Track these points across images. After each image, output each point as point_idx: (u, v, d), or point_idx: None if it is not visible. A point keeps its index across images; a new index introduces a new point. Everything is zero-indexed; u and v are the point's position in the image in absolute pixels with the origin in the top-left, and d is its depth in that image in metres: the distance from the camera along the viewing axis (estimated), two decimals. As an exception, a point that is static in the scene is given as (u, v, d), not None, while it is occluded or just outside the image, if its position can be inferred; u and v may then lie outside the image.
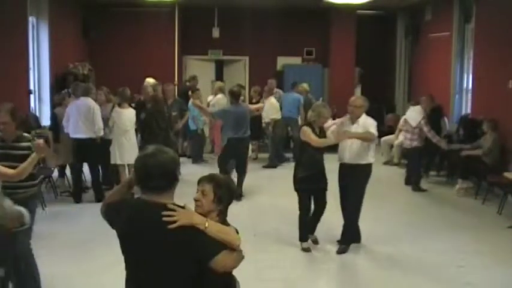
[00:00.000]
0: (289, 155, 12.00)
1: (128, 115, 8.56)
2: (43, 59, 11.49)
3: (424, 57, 13.86)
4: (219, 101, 11.20)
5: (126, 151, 8.48)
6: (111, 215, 2.75)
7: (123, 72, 13.47)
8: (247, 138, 8.78)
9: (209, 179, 2.93)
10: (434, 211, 8.36)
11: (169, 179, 2.58)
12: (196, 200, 2.87)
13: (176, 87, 13.48)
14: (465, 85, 11.79)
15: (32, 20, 11.07)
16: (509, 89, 9.31)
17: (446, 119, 10.98)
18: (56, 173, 9.26)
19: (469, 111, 11.28)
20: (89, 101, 8.29)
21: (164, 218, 2.47)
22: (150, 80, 10.78)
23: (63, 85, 11.21)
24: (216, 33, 14.96)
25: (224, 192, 2.90)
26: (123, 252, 2.67)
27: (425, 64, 13.77)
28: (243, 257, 2.68)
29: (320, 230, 6.64)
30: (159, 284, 2.55)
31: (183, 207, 2.57)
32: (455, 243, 6.79)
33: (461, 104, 11.92)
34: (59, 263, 5.73)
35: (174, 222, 2.47)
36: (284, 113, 11.87)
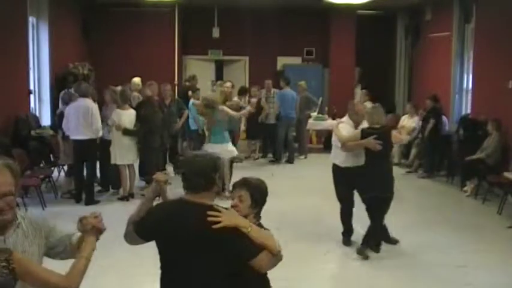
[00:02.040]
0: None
1: (127, 116, 8.52)
2: (43, 59, 11.48)
3: (424, 57, 13.85)
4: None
5: (126, 151, 8.46)
6: (145, 230, 2.83)
7: (123, 72, 13.41)
8: None
9: (244, 184, 3.02)
10: (434, 211, 8.36)
11: (208, 180, 2.71)
12: (233, 206, 2.93)
13: (176, 87, 13.49)
14: (465, 85, 11.79)
15: (32, 20, 11.06)
16: (509, 89, 9.31)
17: (446, 119, 10.98)
18: (55, 173, 9.28)
19: (469, 111, 11.28)
20: (88, 102, 8.24)
21: (209, 218, 2.57)
22: (137, 80, 10.82)
23: (63, 85, 11.20)
24: (216, 33, 14.95)
25: (259, 195, 3.01)
26: (160, 251, 2.81)
27: (425, 64, 13.76)
28: (280, 259, 2.74)
29: (321, 230, 6.64)
30: (197, 281, 2.64)
31: (226, 209, 2.69)
32: (456, 243, 6.79)
33: (461, 104, 11.92)
34: (58, 263, 5.72)
35: (219, 222, 2.57)
36: (283, 113, 11.85)
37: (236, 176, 8.21)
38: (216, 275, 2.64)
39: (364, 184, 6.15)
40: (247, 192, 2.97)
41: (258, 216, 3.01)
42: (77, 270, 2.43)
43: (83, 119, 8.11)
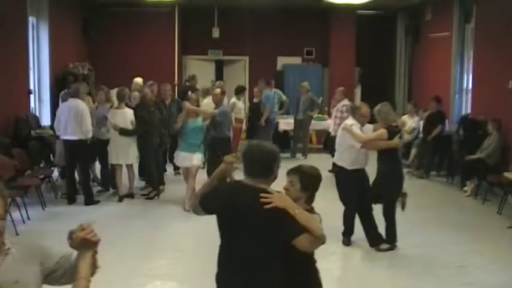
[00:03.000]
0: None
1: (123, 115, 8.49)
2: (43, 59, 11.48)
3: (424, 57, 13.85)
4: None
5: (123, 151, 8.43)
6: (208, 204, 3.14)
7: (123, 72, 13.43)
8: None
9: (296, 170, 3.28)
10: (434, 211, 8.36)
11: (267, 168, 3.01)
12: (285, 189, 3.19)
13: (176, 87, 13.48)
14: (465, 85, 11.79)
15: (32, 20, 11.06)
16: (509, 89, 9.31)
17: (447, 122, 10.96)
18: (55, 173, 9.28)
19: (469, 111, 11.28)
20: (78, 103, 8.17)
21: (262, 200, 2.84)
22: (139, 80, 10.82)
23: (63, 85, 11.20)
24: (216, 33, 14.95)
25: (309, 181, 3.24)
26: (220, 225, 3.08)
27: (425, 64, 13.76)
28: (323, 242, 2.91)
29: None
30: (248, 254, 2.93)
31: (278, 192, 2.95)
32: (456, 243, 6.79)
33: (461, 104, 11.92)
34: None
35: (270, 203, 2.84)
36: (272, 115, 11.93)
37: (239, 176, 8.28)
38: (264, 251, 2.90)
39: (392, 185, 6.21)
40: (297, 177, 3.22)
41: (309, 200, 3.23)
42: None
43: (73, 119, 8.04)
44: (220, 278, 3.13)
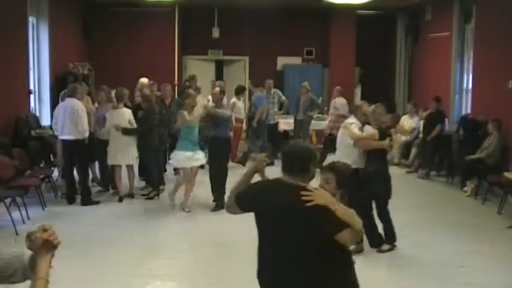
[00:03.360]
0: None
1: (121, 115, 8.47)
2: (43, 59, 11.48)
3: (424, 57, 13.85)
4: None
5: (122, 151, 8.41)
6: (246, 202, 3.24)
7: (123, 72, 13.46)
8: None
9: (331, 168, 3.46)
10: (434, 211, 8.36)
11: (306, 166, 3.08)
12: (321, 187, 3.27)
13: (176, 87, 13.48)
14: (465, 85, 11.79)
15: (32, 20, 11.06)
16: (509, 89, 9.31)
17: (446, 120, 10.96)
18: (55, 173, 9.28)
19: (469, 111, 11.28)
20: (75, 102, 8.14)
21: (303, 197, 2.89)
22: (144, 80, 10.82)
23: (63, 85, 11.19)
24: (216, 33, 14.95)
25: (342, 179, 3.41)
26: (259, 223, 3.16)
27: (425, 64, 13.76)
28: (361, 236, 3.12)
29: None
30: (291, 248, 2.97)
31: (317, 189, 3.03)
32: (456, 243, 6.79)
33: (461, 104, 11.92)
34: (58, 263, 5.71)
35: (311, 200, 2.90)
36: (263, 116, 11.97)
37: (237, 176, 8.28)
38: (305, 247, 2.95)
39: (380, 186, 6.21)
40: (333, 175, 3.40)
41: (344, 197, 3.36)
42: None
43: (69, 119, 8.03)
44: (261, 275, 3.18)
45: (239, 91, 11.47)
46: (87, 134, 8.24)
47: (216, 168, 8.23)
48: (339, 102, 11.95)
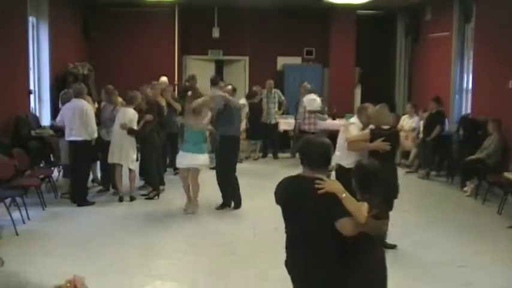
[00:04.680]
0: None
1: (130, 115, 8.48)
2: (43, 59, 11.49)
3: (424, 57, 13.85)
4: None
5: (123, 151, 8.38)
6: (276, 196, 3.57)
7: (123, 72, 13.47)
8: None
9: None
10: (434, 211, 8.36)
11: (325, 159, 3.40)
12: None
13: (176, 87, 13.48)
14: (465, 85, 11.79)
15: (32, 20, 11.07)
16: (509, 89, 9.31)
17: (446, 120, 10.96)
18: (55, 173, 9.28)
19: (469, 111, 11.28)
20: (82, 103, 8.16)
21: (316, 186, 3.21)
22: (164, 79, 10.87)
23: (63, 85, 11.21)
24: (216, 33, 14.95)
25: (365, 176, 3.63)
26: (284, 212, 3.49)
27: (425, 64, 13.76)
28: (380, 230, 3.40)
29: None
30: (309, 232, 3.31)
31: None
32: (455, 243, 6.80)
33: (461, 104, 11.92)
34: (58, 263, 5.73)
35: (323, 189, 3.20)
36: None
37: (238, 176, 8.29)
38: (321, 231, 3.27)
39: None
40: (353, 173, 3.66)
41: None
42: None
43: (78, 120, 8.04)
44: (288, 255, 3.54)
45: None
46: (95, 135, 8.26)
47: (224, 167, 8.17)
48: (307, 98, 11.76)
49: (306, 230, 3.33)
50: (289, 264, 3.53)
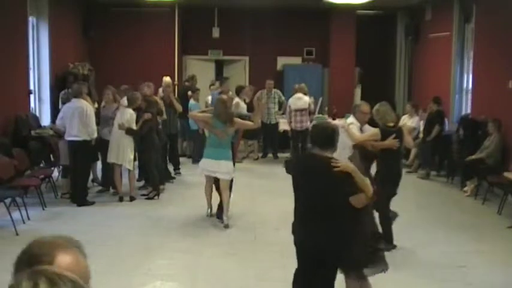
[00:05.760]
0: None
1: (127, 116, 8.47)
2: (43, 59, 11.48)
3: (424, 57, 13.86)
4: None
5: (122, 151, 8.38)
6: (289, 168, 4.38)
7: (123, 72, 13.45)
8: None
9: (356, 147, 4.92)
10: (434, 211, 8.36)
11: (333, 140, 4.04)
12: (350, 160, 4.36)
13: (176, 87, 13.48)
14: (465, 85, 11.78)
15: (32, 20, 11.06)
16: (509, 89, 9.31)
17: (446, 120, 10.96)
18: (55, 173, 9.27)
19: (469, 111, 11.28)
20: (82, 103, 8.16)
21: (332, 164, 3.82)
22: (167, 79, 10.89)
23: (63, 85, 11.21)
24: (216, 33, 14.95)
25: (364, 154, 4.77)
26: (296, 186, 4.11)
27: (425, 64, 13.76)
28: (372, 201, 3.99)
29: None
30: (322, 204, 3.92)
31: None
32: (456, 243, 6.80)
33: (461, 104, 11.92)
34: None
35: (338, 167, 3.81)
36: None
37: (238, 176, 8.29)
38: (332, 203, 3.89)
39: (385, 185, 6.13)
40: (357, 152, 4.59)
41: (367, 171, 4.34)
42: None
43: (78, 120, 8.03)
44: (297, 227, 4.12)
45: (238, 90, 11.55)
46: (95, 135, 8.26)
47: None
48: (292, 97, 11.80)
49: (322, 201, 3.90)
50: (299, 231, 4.07)
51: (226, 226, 7.26)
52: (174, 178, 9.97)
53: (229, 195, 7.41)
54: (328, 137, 4.02)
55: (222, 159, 7.26)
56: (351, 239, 3.98)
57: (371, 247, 4.39)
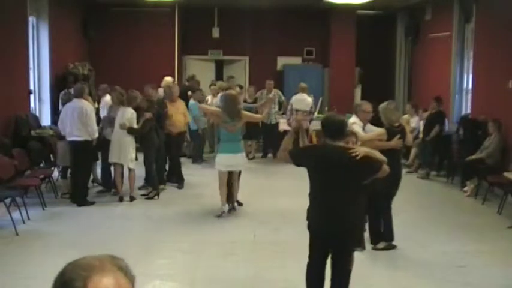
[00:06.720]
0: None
1: (128, 115, 8.46)
2: (43, 59, 11.48)
3: (424, 57, 13.85)
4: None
5: (123, 151, 8.38)
6: (297, 159, 4.56)
7: (123, 72, 13.46)
8: None
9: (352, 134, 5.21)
10: (434, 211, 8.36)
11: (343, 131, 4.50)
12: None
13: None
14: (465, 85, 11.78)
15: (32, 20, 11.06)
16: (509, 89, 9.31)
17: (446, 120, 10.96)
18: (55, 173, 9.27)
19: (469, 111, 11.28)
20: (83, 103, 8.16)
21: (350, 152, 4.28)
22: (168, 79, 10.90)
23: (63, 85, 11.20)
24: (216, 33, 14.96)
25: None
26: (313, 177, 4.45)
27: (425, 64, 13.76)
28: (386, 171, 4.47)
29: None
30: (343, 189, 4.31)
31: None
32: (455, 243, 6.80)
33: (461, 104, 11.91)
34: (57, 263, 5.72)
35: (357, 154, 4.27)
36: None
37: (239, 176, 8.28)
38: (353, 188, 4.36)
39: (386, 185, 6.11)
40: (353, 138, 5.09)
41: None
42: None
43: (78, 120, 8.03)
44: (312, 212, 4.51)
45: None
46: (96, 135, 8.26)
47: None
48: (296, 97, 11.88)
49: (343, 187, 4.31)
50: (315, 218, 4.46)
51: (234, 208, 7.79)
52: (183, 180, 9.76)
53: (238, 186, 7.93)
54: (338, 128, 4.42)
55: (238, 152, 7.63)
56: (360, 223, 4.58)
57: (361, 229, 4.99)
